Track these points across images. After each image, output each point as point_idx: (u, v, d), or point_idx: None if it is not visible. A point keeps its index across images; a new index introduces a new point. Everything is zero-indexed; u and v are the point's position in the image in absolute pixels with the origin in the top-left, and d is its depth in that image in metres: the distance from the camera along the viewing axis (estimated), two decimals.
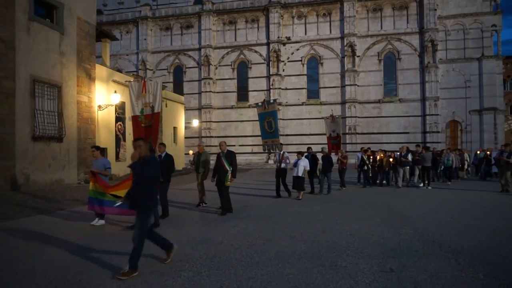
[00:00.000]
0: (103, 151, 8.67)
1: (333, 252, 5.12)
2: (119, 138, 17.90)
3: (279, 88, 32.70)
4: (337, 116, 16.38)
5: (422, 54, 30.59)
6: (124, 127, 18.26)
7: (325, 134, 31.56)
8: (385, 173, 14.82)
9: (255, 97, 33.48)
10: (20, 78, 11.67)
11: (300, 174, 10.81)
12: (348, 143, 30.29)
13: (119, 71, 27.28)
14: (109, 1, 39.23)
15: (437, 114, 30.19)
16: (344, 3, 31.69)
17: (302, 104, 32.72)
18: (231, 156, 8.37)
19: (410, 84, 31.08)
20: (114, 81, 17.33)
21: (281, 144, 12.20)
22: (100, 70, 16.26)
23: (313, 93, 32.99)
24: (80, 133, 14.49)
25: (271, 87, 32.83)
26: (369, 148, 15.94)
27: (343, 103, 31.71)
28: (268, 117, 12.20)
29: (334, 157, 13.99)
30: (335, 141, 15.81)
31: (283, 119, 32.52)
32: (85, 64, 14.75)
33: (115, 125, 17.55)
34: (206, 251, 5.20)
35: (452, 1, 30.99)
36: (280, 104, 32.49)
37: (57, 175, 13.24)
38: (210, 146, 33.24)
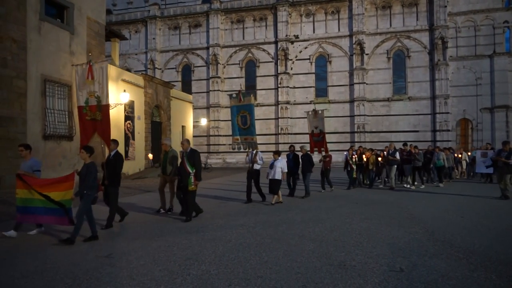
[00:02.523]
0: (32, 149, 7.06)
1: (342, 251, 5.10)
2: (128, 136, 18.06)
3: (287, 87, 32.59)
4: (320, 111, 14.64)
5: (432, 51, 30.19)
6: (133, 126, 18.41)
7: (333, 133, 31.70)
8: (368, 173, 13.97)
9: (263, 96, 33.49)
10: (32, 77, 11.83)
11: (276, 176, 9.55)
12: (357, 142, 30.04)
13: (128, 70, 27.50)
14: (118, 1, 39.51)
15: (448, 112, 29.78)
16: (352, 1, 31.41)
17: (310, 102, 32.51)
18: (193, 156, 7.46)
19: (420, 82, 30.70)
20: (123, 81, 17.48)
21: (256, 143, 10.55)
22: (109, 70, 16.39)
23: (321, 91, 32.81)
24: None
25: (279, 85, 32.75)
26: (360, 147, 15.41)
27: (351, 101, 31.48)
28: (243, 111, 10.57)
29: (318, 157, 13.07)
30: (318, 139, 14.08)
31: (291, 118, 32.44)
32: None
33: (124, 123, 17.71)
34: (215, 250, 5.22)
35: None
36: (288, 102, 32.42)
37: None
38: (218, 145, 33.39)
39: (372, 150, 14.75)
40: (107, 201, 7.04)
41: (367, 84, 31.21)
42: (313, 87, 32.85)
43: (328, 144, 14.85)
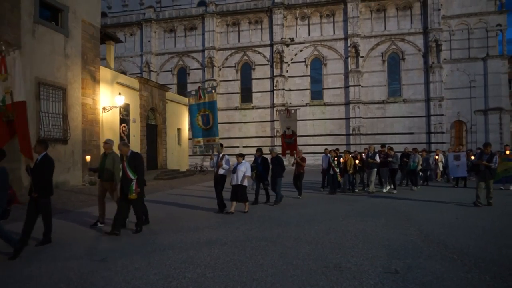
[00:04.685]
0: None
1: (337, 254, 5.11)
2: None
3: (283, 89, 32.68)
4: (293, 111, 13.66)
5: (426, 54, 30.45)
6: (129, 129, 18.34)
7: (329, 135, 31.81)
8: (349, 176, 13.05)
9: (258, 98, 33.55)
10: (26, 80, 11.75)
11: (240, 182, 8.75)
12: (352, 144, 30.17)
13: (124, 73, 27.40)
14: (113, 4, 39.46)
15: (442, 115, 30.02)
16: (347, 4, 31.63)
17: (306, 105, 32.66)
18: (135, 160, 6.68)
19: (414, 84, 30.93)
20: (119, 83, 17.42)
21: (221, 145, 9.40)
22: (104, 72, 16.34)
23: (316, 94, 32.92)
24: (84, 135, 14.57)
25: (274, 88, 32.83)
26: (337, 149, 14.77)
27: (347, 104, 31.61)
28: (203, 110, 9.30)
29: (291, 159, 12.19)
30: (289, 141, 13.12)
31: None
32: (89, 67, 14.84)
33: (119, 127, 17.63)
34: (210, 253, 5.21)
35: (456, 1, 30.78)
36: (283, 105, 32.48)
37: (62, 177, 13.32)
38: None
39: (350, 152, 14.05)
40: (30, 216, 5.74)
41: (362, 86, 31.37)
42: (309, 89, 32.94)
43: (324, 147, 14.38)
